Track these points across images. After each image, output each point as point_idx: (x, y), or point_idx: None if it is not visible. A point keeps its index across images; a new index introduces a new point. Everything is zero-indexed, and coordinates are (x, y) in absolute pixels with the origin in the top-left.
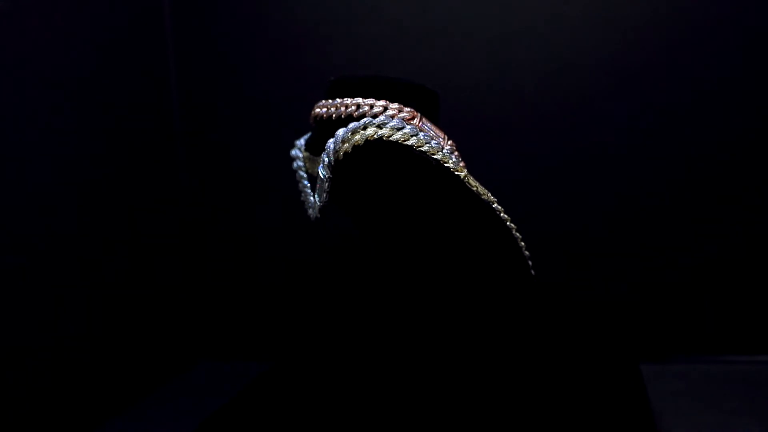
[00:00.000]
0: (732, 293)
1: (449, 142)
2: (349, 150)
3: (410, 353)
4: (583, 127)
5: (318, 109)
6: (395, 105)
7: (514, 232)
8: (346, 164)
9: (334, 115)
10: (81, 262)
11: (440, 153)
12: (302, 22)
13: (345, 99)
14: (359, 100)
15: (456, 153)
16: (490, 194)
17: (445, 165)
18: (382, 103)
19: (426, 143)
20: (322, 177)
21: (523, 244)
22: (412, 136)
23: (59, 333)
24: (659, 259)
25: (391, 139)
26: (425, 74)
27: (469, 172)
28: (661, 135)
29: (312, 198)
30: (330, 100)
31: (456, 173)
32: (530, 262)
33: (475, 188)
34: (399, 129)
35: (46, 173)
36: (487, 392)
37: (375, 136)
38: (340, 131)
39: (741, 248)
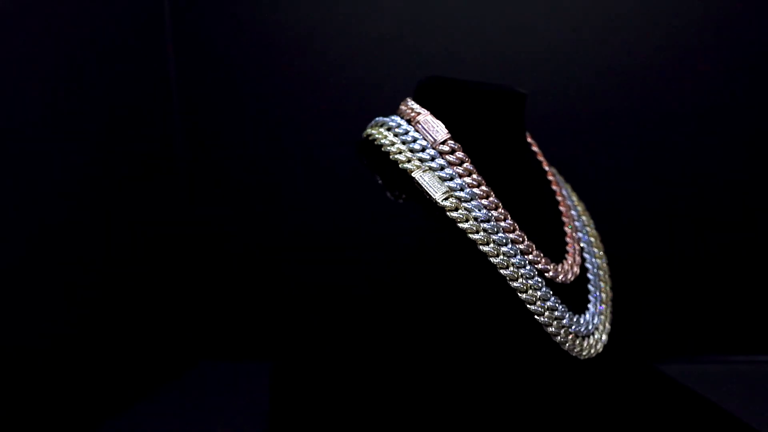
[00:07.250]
0: (732, 293)
1: (448, 143)
2: (360, 144)
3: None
4: (583, 127)
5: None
6: (412, 105)
7: (472, 234)
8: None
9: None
10: (81, 261)
11: (405, 153)
12: (303, 22)
13: (408, 101)
14: (416, 105)
15: (457, 153)
16: (454, 198)
17: (401, 166)
18: (408, 103)
19: (396, 143)
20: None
21: (483, 244)
22: (389, 135)
23: (59, 332)
24: (659, 259)
25: (369, 138)
26: (425, 74)
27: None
28: (661, 135)
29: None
30: (407, 99)
31: (410, 173)
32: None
33: (422, 189)
34: (386, 128)
35: (46, 173)
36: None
37: (364, 135)
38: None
39: (741, 248)
